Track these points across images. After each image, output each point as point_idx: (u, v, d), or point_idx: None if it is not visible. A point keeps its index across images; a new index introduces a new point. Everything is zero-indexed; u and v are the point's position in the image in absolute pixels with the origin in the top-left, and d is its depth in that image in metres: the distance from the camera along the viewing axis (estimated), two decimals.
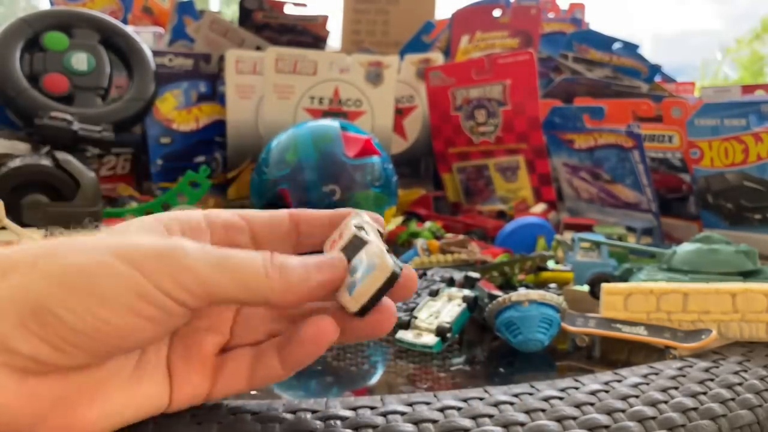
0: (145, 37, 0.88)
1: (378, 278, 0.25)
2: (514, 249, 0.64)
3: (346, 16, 1.27)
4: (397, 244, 0.70)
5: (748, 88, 0.86)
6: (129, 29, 0.76)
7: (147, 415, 0.25)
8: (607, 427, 0.27)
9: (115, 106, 0.71)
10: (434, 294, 0.46)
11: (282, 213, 0.29)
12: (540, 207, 0.80)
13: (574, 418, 0.27)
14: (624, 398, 0.29)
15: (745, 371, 0.33)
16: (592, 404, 0.28)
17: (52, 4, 1.13)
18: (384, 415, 0.26)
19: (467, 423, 0.26)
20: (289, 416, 0.26)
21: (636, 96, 0.92)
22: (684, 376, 0.32)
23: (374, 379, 0.39)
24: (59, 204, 0.56)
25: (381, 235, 0.28)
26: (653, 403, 0.29)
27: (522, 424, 0.26)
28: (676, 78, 1.15)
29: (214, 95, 0.94)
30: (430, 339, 0.40)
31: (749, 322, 0.39)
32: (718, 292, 0.39)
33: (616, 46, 1.05)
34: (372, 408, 0.27)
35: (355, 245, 0.26)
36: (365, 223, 0.28)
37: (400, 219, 0.80)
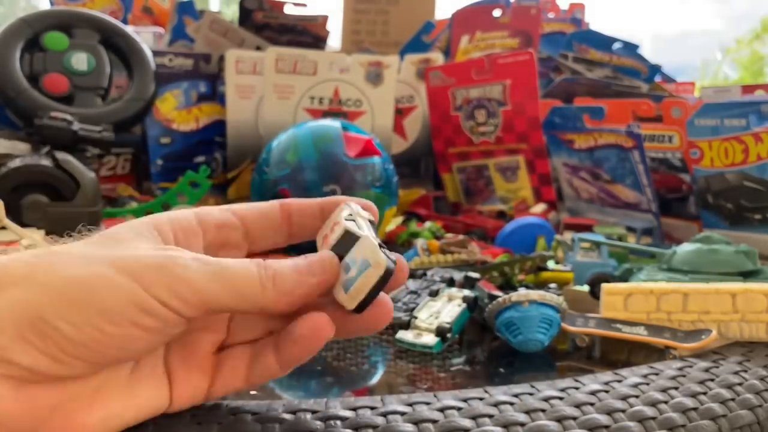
0: (145, 37, 0.88)
1: (373, 276, 0.25)
2: (514, 249, 0.64)
3: (346, 16, 1.27)
4: (397, 244, 0.70)
5: (748, 88, 0.86)
6: (129, 29, 0.76)
7: (148, 416, 0.25)
8: (607, 427, 0.27)
9: (115, 106, 0.71)
10: (434, 294, 0.46)
11: (273, 204, 0.29)
12: (540, 207, 0.80)
13: (574, 418, 0.27)
14: (624, 398, 0.29)
15: (745, 371, 0.33)
16: (592, 404, 0.28)
17: (52, 4, 1.13)
18: (384, 415, 0.26)
19: (467, 423, 0.26)
20: (289, 416, 0.26)
21: (636, 96, 0.92)
22: (684, 376, 0.32)
23: (374, 380, 0.39)
24: (59, 204, 0.56)
25: (372, 224, 0.28)
26: (653, 403, 0.29)
27: (522, 425, 0.26)
28: (676, 78, 1.15)
29: (214, 95, 0.94)
30: (430, 339, 0.40)
31: (749, 322, 0.39)
32: (718, 292, 0.39)
33: (616, 46, 1.05)
34: (372, 408, 0.27)
35: (347, 241, 0.26)
36: (356, 214, 0.28)
37: (400, 219, 0.80)
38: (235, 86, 0.86)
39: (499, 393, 0.29)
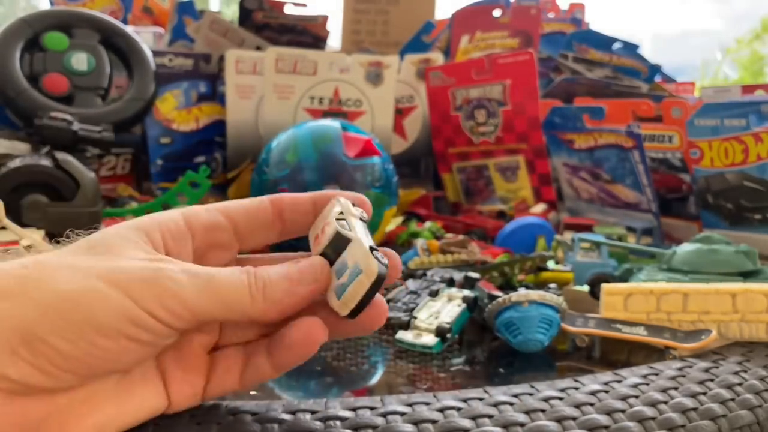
0: (145, 37, 0.88)
1: (364, 283, 0.24)
2: (514, 249, 0.64)
3: (346, 16, 1.27)
4: (397, 244, 0.70)
5: (748, 88, 0.86)
6: (129, 29, 0.76)
7: (145, 418, 0.25)
8: (606, 427, 0.27)
9: (115, 106, 0.71)
10: (434, 294, 0.46)
11: (264, 201, 0.28)
12: (540, 207, 0.80)
13: (574, 419, 0.27)
14: (624, 398, 0.29)
15: (745, 371, 0.33)
16: (591, 404, 0.28)
17: (52, 4, 1.13)
18: (384, 415, 0.26)
19: (467, 423, 0.26)
20: (288, 417, 0.26)
21: (636, 96, 0.92)
22: (684, 376, 0.32)
23: (374, 380, 0.39)
24: (59, 204, 0.56)
25: (364, 220, 0.28)
26: (653, 404, 0.29)
27: (522, 425, 0.26)
28: (676, 78, 1.15)
29: (214, 95, 0.94)
30: (429, 339, 0.40)
31: (749, 323, 0.39)
32: (718, 292, 0.39)
33: (616, 46, 1.05)
34: (372, 408, 0.27)
35: (337, 243, 0.26)
36: (348, 212, 0.27)
37: (400, 219, 0.80)
38: (235, 86, 0.86)
39: (499, 393, 0.29)
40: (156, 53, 0.84)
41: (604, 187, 0.78)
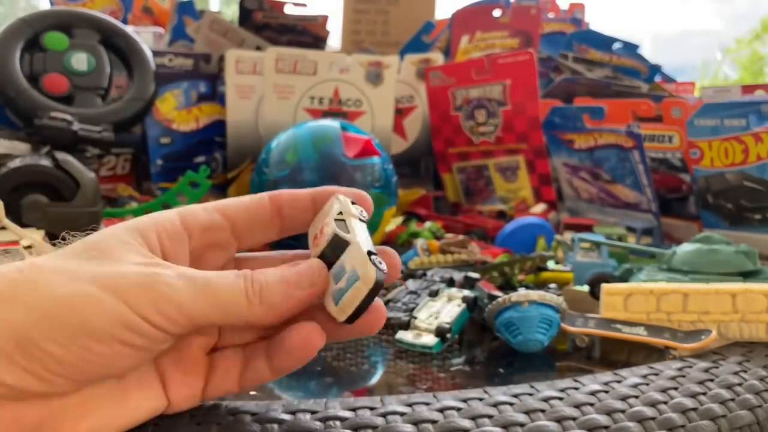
0: (145, 37, 0.88)
1: (362, 289, 0.24)
2: (514, 249, 0.64)
3: (346, 16, 1.27)
4: (397, 244, 0.70)
5: (748, 88, 0.86)
6: (129, 29, 0.76)
7: (143, 419, 0.25)
8: (606, 427, 0.27)
9: (115, 106, 0.71)
10: (434, 294, 0.46)
11: (263, 199, 0.28)
12: (540, 207, 0.80)
13: (574, 419, 0.27)
14: (624, 399, 0.29)
15: (745, 371, 0.33)
16: (591, 405, 0.28)
17: (52, 4, 1.13)
18: (383, 415, 0.26)
19: (467, 423, 0.26)
20: (288, 417, 0.26)
21: (636, 96, 0.92)
22: (684, 376, 0.32)
23: (374, 380, 0.39)
24: (59, 204, 0.56)
25: (364, 220, 0.27)
26: (653, 404, 0.29)
27: (522, 425, 0.26)
28: (676, 78, 1.15)
29: (214, 95, 0.94)
30: (429, 339, 0.40)
31: (749, 323, 0.39)
32: (718, 292, 0.39)
33: (616, 46, 1.05)
34: (371, 409, 0.27)
35: (335, 246, 0.26)
36: (347, 212, 0.27)
37: (400, 219, 0.80)
38: (235, 86, 0.86)
39: (499, 393, 0.29)
40: (156, 53, 0.83)
41: (604, 187, 0.78)
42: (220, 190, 0.87)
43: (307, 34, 1.11)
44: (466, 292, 0.45)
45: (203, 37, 0.99)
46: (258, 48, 1.00)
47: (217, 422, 0.26)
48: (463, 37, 1.10)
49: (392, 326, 0.43)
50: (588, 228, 0.69)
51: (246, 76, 0.86)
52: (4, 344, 0.21)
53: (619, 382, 0.31)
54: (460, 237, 0.63)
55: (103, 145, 0.67)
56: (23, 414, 0.22)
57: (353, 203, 0.28)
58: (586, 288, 0.50)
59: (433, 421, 0.26)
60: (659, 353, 0.39)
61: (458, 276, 0.49)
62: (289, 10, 1.11)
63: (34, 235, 0.47)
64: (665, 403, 0.29)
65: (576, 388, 0.30)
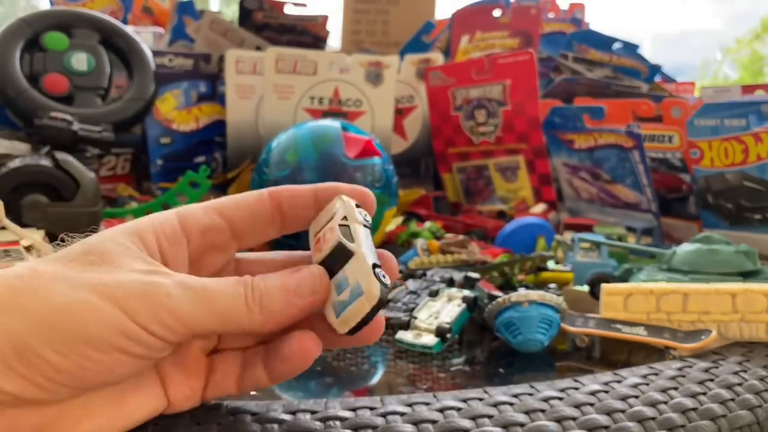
0: (145, 37, 0.88)
1: (365, 305, 0.24)
2: (514, 249, 0.64)
3: (346, 16, 1.27)
4: (397, 244, 0.70)
5: (748, 88, 0.86)
6: (129, 29, 0.76)
7: (143, 419, 0.25)
8: (606, 427, 0.27)
9: (115, 106, 0.71)
10: (434, 294, 0.46)
11: (263, 194, 0.27)
12: (540, 207, 0.80)
13: (574, 419, 0.27)
14: (624, 399, 0.29)
15: (745, 371, 0.33)
16: (591, 405, 0.28)
17: (52, 4, 1.13)
18: (383, 415, 0.26)
19: (467, 423, 0.26)
20: (288, 417, 0.26)
21: (636, 96, 0.92)
22: (684, 376, 0.32)
23: (374, 380, 0.39)
24: (59, 204, 0.56)
25: (367, 227, 0.26)
26: (653, 404, 0.29)
27: (522, 425, 0.26)
28: (676, 78, 1.15)
29: (214, 95, 0.94)
30: (429, 339, 0.40)
31: (749, 323, 0.39)
32: (718, 292, 0.39)
33: (616, 46, 1.05)
34: (371, 409, 0.27)
35: (339, 255, 0.25)
36: (352, 217, 0.26)
37: (400, 219, 0.80)
38: (235, 86, 0.86)
39: (499, 393, 0.29)
40: (156, 53, 0.83)
41: (604, 187, 0.78)
42: (220, 190, 0.87)
43: (307, 34, 1.11)
44: (466, 292, 0.45)
45: (203, 37, 0.99)
46: (258, 48, 1.00)
47: (218, 422, 0.26)
48: (463, 37, 1.10)
49: (392, 326, 0.43)
50: (588, 228, 0.69)
51: (246, 76, 0.86)
52: (2, 351, 0.21)
53: (619, 382, 0.31)
54: (460, 237, 0.63)
55: (103, 145, 0.67)
56: (22, 420, 0.22)
57: (357, 206, 0.27)
58: (586, 288, 0.50)
59: (433, 421, 0.26)
60: (659, 353, 0.39)
61: (458, 276, 0.49)
62: (289, 10, 1.11)
63: (34, 235, 0.47)
64: (665, 403, 0.29)
65: (576, 388, 0.30)
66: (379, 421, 0.26)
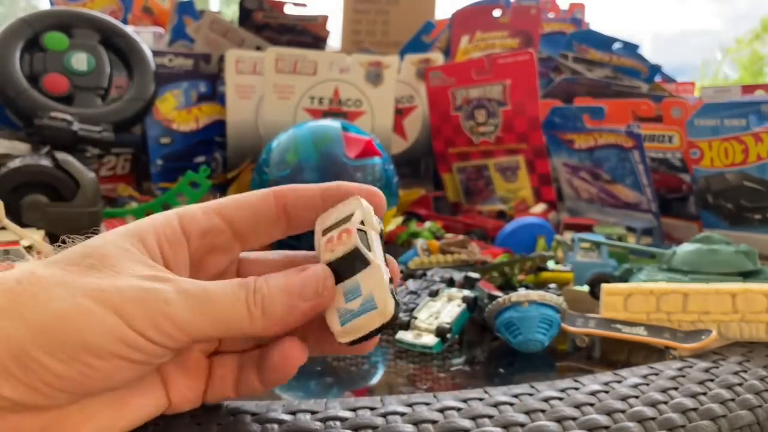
0: (145, 37, 0.88)
1: (376, 321, 0.23)
2: (514, 249, 0.64)
3: (346, 16, 1.27)
4: (397, 244, 0.70)
5: (748, 88, 0.86)
6: (129, 29, 0.76)
7: (144, 420, 0.25)
8: (606, 427, 0.27)
9: (115, 106, 0.71)
10: (434, 294, 0.46)
11: (267, 195, 0.27)
12: (540, 207, 0.80)
13: (574, 419, 0.27)
14: (624, 399, 0.29)
15: (745, 371, 0.33)
16: (591, 405, 0.28)
17: (52, 4, 1.13)
18: (384, 415, 0.26)
19: (467, 424, 0.26)
20: (288, 417, 0.26)
21: (636, 96, 0.92)
22: (684, 376, 0.32)
23: (374, 380, 0.39)
24: (59, 204, 0.56)
25: (380, 235, 0.26)
26: (653, 404, 0.29)
27: (522, 425, 0.26)
28: (676, 78, 1.15)
29: (214, 95, 0.94)
30: (429, 339, 0.40)
31: (749, 323, 0.39)
32: (718, 292, 0.39)
33: (616, 46, 1.05)
34: (372, 409, 0.27)
35: (354, 261, 0.24)
36: (369, 223, 0.25)
37: (400, 219, 0.80)
38: (235, 86, 0.86)
39: (499, 393, 0.29)
40: (156, 53, 0.84)
41: (604, 187, 0.78)
42: (220, 190, 0.87)
43: (307, 34, 1.11)
44: (466, 292, 0.45)
45: (203, 37, 0.99)
46: (258, 48, 1.00)
47: (218, 422, 0.26)
48: (463, 37, 1.10)
49: (392, 326, 0.43)
50: (588, 228, 0.69)
51: (246, 76, 0.86)
52: (2, 358, 0.21)
53: (619, 382, 0.31)
54: (460, 237, 0.63)
55: (103, 145, 0.67)
56: (23, 424, 0.22)
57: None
58: (586, 288, 0.50)
59: (434, 421, 0.26)
60: (659, 353, 0.39)
61: (458, 276, 0.49)
62: (289, 10, 1.11)
63: (34, 235, 0.47)
64: (665, 403, 0.29)
65: (576, 388, 0.30)
66: (379, 421, 0.26)
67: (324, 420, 0.26)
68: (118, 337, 0.21)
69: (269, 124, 0.82)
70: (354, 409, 0.27)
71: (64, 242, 0.25)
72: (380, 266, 0.24)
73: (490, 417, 0.27)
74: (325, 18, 1.12)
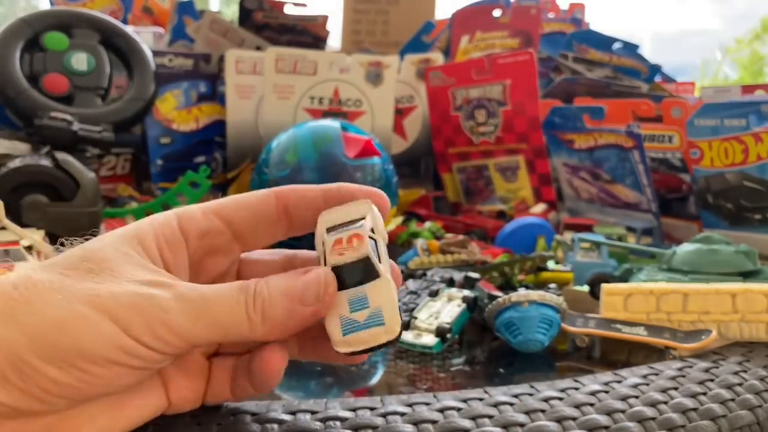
0: (145, 37, 0.88)
1: (381, 337, 0.23)
2: (514, 249, 0.64)
3: (346, 16, 1.27)
4: (397, 244, 0.70)
5: (748, 88, 0.86)
6: (129, 29, 0.76)
7: (144, 421, 0.25)
8: (606, 427, 0.27)
9: (115, 106, 0.71)
10: (434, 294, 0.46)
11: (269, 195, 0.26)
12: (540, 207, 0.80)
13: (574, 419, 0.27)
14: (624, 399, 0.29)
15: (745, 371, 0.33)
16: (591, 405, 0.28)
17: (52, 4, 1.13)
18: (384, 415, 0.26)
19: (467, 424, 0.26)
20: (288, 417, 0.26)
21: (636, 96, 0.92)
22: (684, 376, 0.32)
23: (374, 380, 0.39)
24: (59, 204, 0.56)
25: (386, 242, 0.25)
26: (653, 404, 0.29)
27: (522, 425, 0.26)
28: (676, 78, 1.15)
29: (214, 95, 0.94)
30: (429, 339, 0.40)
31: (749, 323, 0.39)
32: (718, 292, 0.39)
33: (616, 46, 1.05)
34: (372, 409, 0.27)
35: (362, 270, 0.23)
36: (379, 233, 0.24)
37: (400, 219, 0.80)
38: (235, 86, 0.86)
39: (499, 393, 0.29)
40: (156, 53, 0.83)
41: (604, 187, 0.78)
42: (220, 190, 0.87)
43: (307, 34, 1.11)
44: (466, 292, 0.45)
45: (203, 37, 0.99)
46: (258, 48, 1.00)
47: (218, 422, 0.26)
48: (463, 37, 1.10)
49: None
50: (588, 228, 0.69)
51: (246, 76, 0.86)
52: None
53: (619, 382, 0.31)
54: (460, 237, 0.63)
55: (103, 145, 0.67)
56: (22, 430, 0.22)
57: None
58: (586, 288, 0.50)
59: (434, 421, 0.26)
60: (659, 353, 0.39)
61: (458, 276, 0.49)
62: (289, 10, 1.11)
63: (34, 235, 0.47)
64: (665, 403, 0.29)
65: (576, 388, 0.30)
66: (379, 421, 0.26)
67: (324, 420, 0.26)
68: (116, 344, 0.21)
69: (269, 124, 0.82)
70: (354, 409, 0.27)
71: (62, 244, 0.25)
72: (391, 281, 0.23)
73: (490, 417, 0.27)
74: (325, 18, 1.12)
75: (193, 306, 0.22)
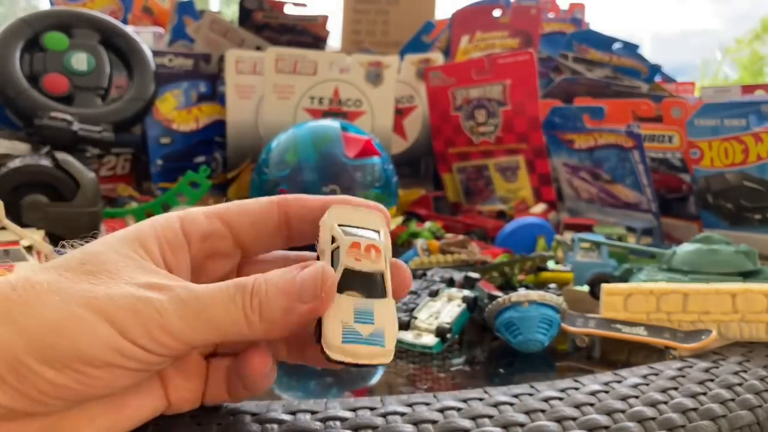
0: (145, 37, 0.88)
1: (377, 359, 0.23)
2: (514, 249, 0.64)
3: (346, 16, 1.27)
4: (397, 244, 0.70)
5: (748, 88, 0.86)
6: (129, 29, 0.76)
7: (143, 420, 0.25)
8: (606, 427, 0.27)
9: (115, 106, 0.71)
10: (434, 294, 0.46)
11: (271, 204, 0.26)
12: (540, 207, 0.80)
13: (574, 419, 0.27)
14: (624, 399, 0.29)
15: (745, 371, 0.33)
16: (591, 405, 0.28)
17: (52, 4, 1.13)
18: (384, 415, 0.26)
19: (467, 424, 0.26)
20: (288, 417, 0.26)
21: (636, 96, 0.92)
22: (684, 376, 0.32)
23: (374, 380, 0.39)
24: (59, 204, 0.56)
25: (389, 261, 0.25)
26: (653, 404, 0.29)
27: (522, 425, 0.26)
28: (676, 78, 1.15)
29: (214, 95, 0.94)
30: (429, 339, 0.40)
31: (749, 323, 0.39)
32: (718, 292, 0.39)
33: (616, 46, 1.05)
34: (372, 409, 0.27)
35: (374, 284, 0.23)
36: (388, 249, 0.24)
37: (400, 219, 0.80)
38: (235, 86, 0.86)
39: (499, 393, 0.29)
40: (156, 53, 0.83)
41: (604, 187, 0.78)
42: (220, 190, 0.87)
43: (307, 34, 1.11)
44: (466, 292, 0.45)
45: (203, 37, 0.99)
46: (258, 48, 1.00)
47: (218, 422, 0.26)
48: (463, 37, 1.10)
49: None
50: (588, 228, 0.69)
51: (246, 76, 0.86)
52: None
53: (619, 382, 0.31)
54: (460, 237, 0.63)
55: (103, 145, 0.67)
56: (20, 431, 0.22)
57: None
58: (586, 288, 0.50)
59: (433, 422, 0.26)
60: (659, 353, 0.39)
61: (458, 276, 0.49)
62: (289, 10, 1.11)
63: (34, 235, 0.47)
64: (665, 403, 0.29)
65: (576, 388, 0.30)
66: (379, 421, 0.26)
67: (324, 420, 0.26)
68: (112, 347, 0.21)
69: (269, 124, 0.82)
70: (354, 409, 0.27)
71: (63, 246, 0.25)
72: (394, 304, 0.23)
73: (490, 417, 0.27)
74: (325, 18, 1.12)
75: (189, 308, 0.22)
